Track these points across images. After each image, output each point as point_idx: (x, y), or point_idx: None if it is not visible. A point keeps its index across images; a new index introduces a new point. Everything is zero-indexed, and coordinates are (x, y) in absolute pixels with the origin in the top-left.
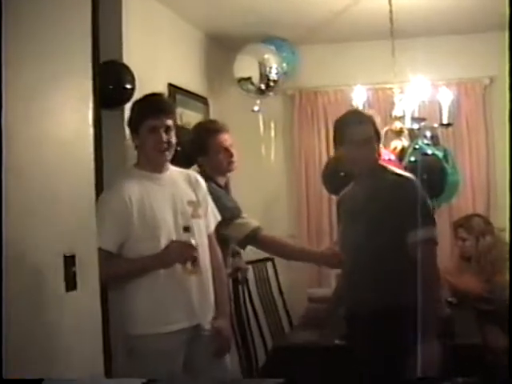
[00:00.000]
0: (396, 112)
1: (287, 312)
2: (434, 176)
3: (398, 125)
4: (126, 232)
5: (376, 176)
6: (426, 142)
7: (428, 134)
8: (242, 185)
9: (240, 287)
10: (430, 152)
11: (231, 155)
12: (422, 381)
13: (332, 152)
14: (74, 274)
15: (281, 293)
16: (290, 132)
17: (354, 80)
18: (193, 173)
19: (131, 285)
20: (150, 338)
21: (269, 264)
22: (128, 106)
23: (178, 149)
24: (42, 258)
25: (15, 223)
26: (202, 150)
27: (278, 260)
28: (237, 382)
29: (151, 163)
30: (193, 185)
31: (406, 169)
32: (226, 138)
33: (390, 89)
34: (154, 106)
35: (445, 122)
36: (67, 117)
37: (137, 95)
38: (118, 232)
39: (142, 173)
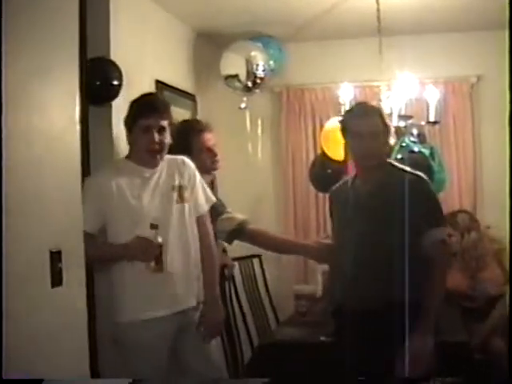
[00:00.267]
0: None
1: (273, 309)
2: None
3: None
4: (105, 216)
5: (382, 171)
6: (412, 139)
7: (415, 131)
8: (229, 182)
9: (226, 284)
10: (416, 150)
11: (215, 155)
12: (412, 381)
13: (319, 149)
14: (60, 269)
15: (267, 289)
16: (278, 129)
17: (341, 77)
18: (183, 158)
19: (113, 271)
20: (130, 326)
21: (255, 261)
22: (115, 103)
23: None
24: (28, 254)
25: (1, 219)
26: (186, 149)
27: (264, 257)
28: (222, 381)
29: (142, 159)
30: (179, 169)
31: None
32: (210, 138)
33: (378, 86)
34: (148, 106)
35: (432, 119)
36: (54, 113)
37: (124, 92)
38: (96, 214)
39: (130, 164)
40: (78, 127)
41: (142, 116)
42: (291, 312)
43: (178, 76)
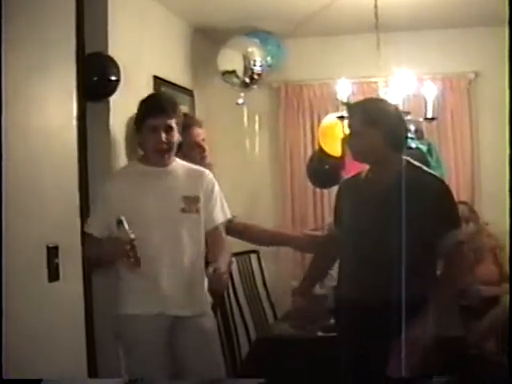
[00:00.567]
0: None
1: (271, 304)
2: None
3: None
4: (110, 220)
5: (396, 169)
6: (410, 135)
7: (412, 127)
8: (226, 178)
9: None
10: (413, 146)
11: (203, 150)
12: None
13: (317, 145)
14: (57, 265)
15: (265, 285)
16: (276, 125)
17: (339, 73)
18: (201, 169)
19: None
20: (126, 319)
21: (253, 256)
22: (113, 99)
23: None
24: (25, 249)
25: None
26: None
27: (262, 252)
28: (221, 381)
29: (150, 159)
30: (196, 181)
31: None
32: (199, 133)
33: (375, 82)
34: (156, 106)
35: (429, 116)
36: (51, 109)
37: (122, 87)
38: (102, 218)
39: (142, 167)
40: (75, 123)
41: (149, 116)
42: (289, 307)
43: (176, 72)
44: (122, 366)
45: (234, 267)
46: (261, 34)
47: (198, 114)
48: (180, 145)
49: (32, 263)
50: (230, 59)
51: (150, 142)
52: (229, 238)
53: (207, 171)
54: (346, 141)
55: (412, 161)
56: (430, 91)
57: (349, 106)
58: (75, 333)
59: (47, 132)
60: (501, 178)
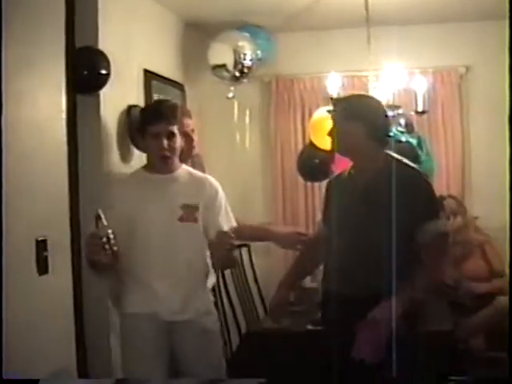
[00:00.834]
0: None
1: (262, 298)
2: None
3: None
4: (117, 228)
5: (378, 162)
6: (400, 129)
7: (402, 121)
8: (217, 172)
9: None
10: (403, 139)
11: (192, 140)
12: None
13: (308, 139)
14: (46, 258)
15: (256, 279)
16: (266, 119)
17: (329, 67)
18: (206, 178)
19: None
20: (128, 318)
21: (244, 250)
22: (103, 92)
23: None
24: (14, 242)
25: None
26: None
27: (253, 246)
28: (218, 381)
29: (155, 166)
30: (197, 188)
31: None
32: (189, 124)
33: (366, 76)
34: (157, 113)
35: (420, 109)
36: (41, 102)
37: (112, 81)
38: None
39: (146, 175)
40: (64, 116)
41: (150, 123)
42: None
43: (167, 65)
44: (119, 364)
45: None
46: (251, 28)
47: (189, 107)
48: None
49: (21, 256)
50: (220, 53)
51: (153, 148)
52: None
53: (210, 178)
54: (328, 134)
55: (393, 155)
56: (420, 85)
57: (333, 101)
58: (65, 326)
59: (37, 125)
60: (491, 172)
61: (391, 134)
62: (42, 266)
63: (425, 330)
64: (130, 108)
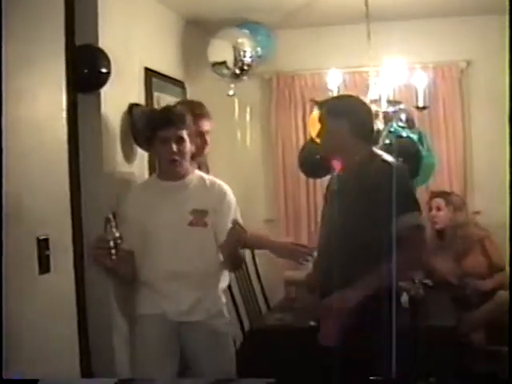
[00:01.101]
0: (371, 95)
1: (264, 295)
2: (409, 159)
3: (373, 108)
4: (131, 234)
5: (357, 159)
6: (401, 124)
7: (403, 117)
8: (218, 170)
9: None
10: (404, 135)
11: (205, 141)
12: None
13: (309, 135)
14: (48, 256)
15: (258, 275)
16: (267, 115)
17: (330, 63)
18: (215, 183)
19: None
20: (139, 319)
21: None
22: (104, 90)
23: None
24: (15, 241)
25: None
26: None
27: None
28: (225, 381)
29: (166, 172)
30: (207, 193)
31: None
32: (206, 124)
33: (367, 72)
34: (165, 119)
35: (420, 105)
36: (40, 101)
37: (113, 79)
38: (127, 234)
39: (158, 182)
40: (64, 114)
41: (159, 129)
42: (281, 298)
43: (167, 63)
44: (122, 364)
45: None
46: (251, 25)
47: None
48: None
49: (22, 255)
50: (219, 50)
51: (162, 153)
52: None
53: (221, 183)
54: (316, 135)
55: (376, 151)
56: (421, 80)
57: (317, 104)
58: (67, 325)
59: (37, 124)
60: (492, 167)
61: (377, 130)
62: (44, 265)
63: (428, 325)
64: (132, 106)
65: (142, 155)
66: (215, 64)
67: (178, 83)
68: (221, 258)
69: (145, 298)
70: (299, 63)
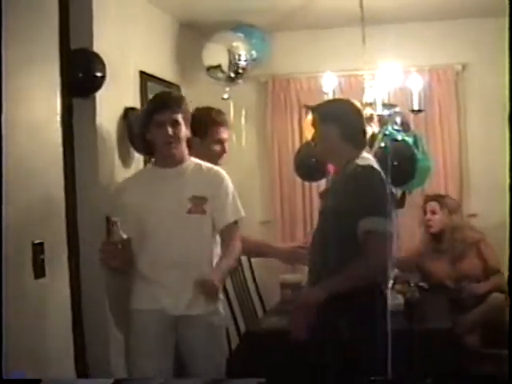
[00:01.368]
0: (366, 98)
1: (260, 298)
2: (404, 162)
3: (368, 111)
4: (128, 224)
5: (348, 164)
6: (396, 128)
7: (398, 120)
8: None
9: None
10: (399, 138)
11: (224, 150)
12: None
13: (305, 138)
14: (43, 261)
15: (254, 279)
16: (263, 119)
17: (325, 67)
18: (213, 168)
19: None
20: (135, 314)
21: None
22: (99, 94)
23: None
24: (10, 246)
25: None
26: (200, 135)
27: None
28: (220, 381)
29: (162, 157)
30: (205, 180)
31: (375, 155)
32: (225, 132)
33: (362, 75)
34: (161, 102)
35: (415, 108)
36: (35, 104)
37: (108, 83)
38: (124, 223)
39: (154, 169)
40: (58, 118)
41: (155, 112)
42: (277, 301)
43: (162, 67)
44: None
45: None
46: (245, 29)
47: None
48: (202, 137)
49: (17, 260)
50: (214, 54)
51: (158, 137)
52: None
53: (218, 169)
54: (311, 140)
55: (364, 155)
56: (416, 83)
57: (310, 108)
58: (62, 328)
59: (31, 127)
60: (488, 170)
61: (372, 134)
62: (39, 269)
63: (424, 328)
64: (127, 110)
65: (138, 159)
66: (210, 68)
67: (173, 86)
68: (218, 245)
69: (141, 292)
70: (295, 66)
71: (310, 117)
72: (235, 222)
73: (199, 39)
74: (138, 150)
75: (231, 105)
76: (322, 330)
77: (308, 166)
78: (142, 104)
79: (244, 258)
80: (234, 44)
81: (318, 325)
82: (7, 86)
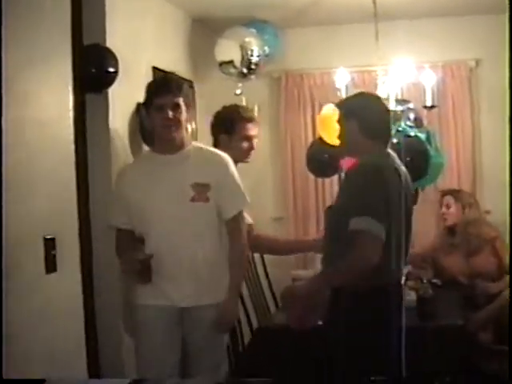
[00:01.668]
0: (379, 94)
1: (272, 293)
2: (417, 158)
3: None
4: (124, 210)
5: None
6: (409, 123)
7: (411, 116)
8: None
9: None
10: (412, 134)
11: (252, 147)
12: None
13: (317, 134)
14: (54, 256)
15: (266, 274)
16: (276, 114)
17: (338, 62)
18: (218, 154)
19: None
20: (137, 308)
21: None
22: (112, 90)
23: None
24: (22, 241)
25: None
26: (228, 132)
27: None
28: (224, 382)
29: (162, 142)
30: (208, 166)
31: None
32: (253, 129)
33: (375, 71)
34: (161, 86)
35: (428, 104)
36: (48, 100)
37: (121, 79)
38: (118, 209)
39: (154, 155)
40: (71, 114)
41: (156, 95)
42: None
43: (175, 62)
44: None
45: None
46: (258, 24)
47: (199, 104)
48: (230, 134)
49: (29, 254)
50: (227, 49)
51: (157, 120)
52: None
53: (223, 154)
54: (337, 137)
55: (387, 151)
56: (429, 79)
57: (336, 104)
58: (74, 324)
59: (44, 123)
60: (502, 166)
61: (393, 130)
62: (51, 264)
63: (437, 324)
64: (140, 106)
65: None
66: (222, 63)
67: (187, 82)
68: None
69: (146, 287)
70: (308, 62)
71: (324, 112)
72: (240, 212)
73: (212, 35)
74: (150, 145)
75: (244, 100)
76: (334, 325)
77: (320, 161)
78: None
79: (257, 255)
80: (247, 39)
81: (326, 320)
82: (20, 82)
